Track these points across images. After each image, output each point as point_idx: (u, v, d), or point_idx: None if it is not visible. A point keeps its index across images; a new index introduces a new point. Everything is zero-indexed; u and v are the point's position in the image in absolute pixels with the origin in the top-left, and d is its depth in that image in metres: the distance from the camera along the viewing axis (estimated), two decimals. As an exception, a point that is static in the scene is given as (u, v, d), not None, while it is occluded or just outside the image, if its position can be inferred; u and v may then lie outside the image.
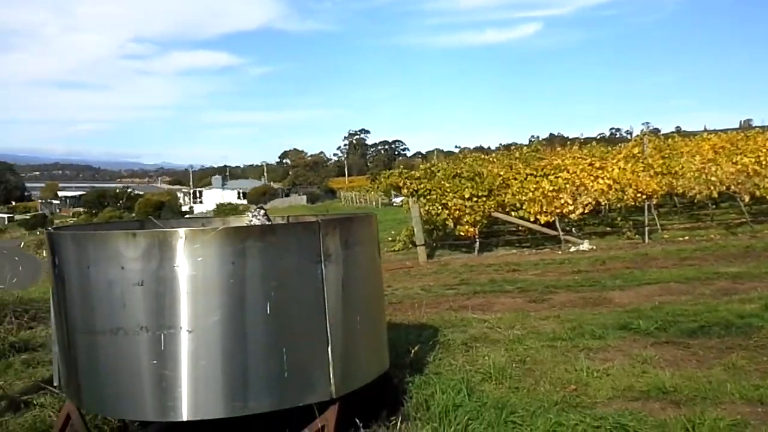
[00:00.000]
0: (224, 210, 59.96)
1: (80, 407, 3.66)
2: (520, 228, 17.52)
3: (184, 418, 3.22)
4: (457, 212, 15.51)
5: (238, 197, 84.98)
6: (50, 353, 6.23)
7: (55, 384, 4.00)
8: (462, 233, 15.86)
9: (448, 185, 15.87)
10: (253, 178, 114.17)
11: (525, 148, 23.07)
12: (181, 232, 3.16)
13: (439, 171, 17.14)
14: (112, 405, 3.43)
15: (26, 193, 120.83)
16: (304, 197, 77.36)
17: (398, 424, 3.82)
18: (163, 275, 3.12)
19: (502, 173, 16.72)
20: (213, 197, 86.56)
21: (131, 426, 4.19)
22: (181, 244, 3.12)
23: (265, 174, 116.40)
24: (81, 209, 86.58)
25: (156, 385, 3.18)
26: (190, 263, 3.12)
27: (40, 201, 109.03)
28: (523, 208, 15.75)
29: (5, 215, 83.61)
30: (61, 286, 3.47)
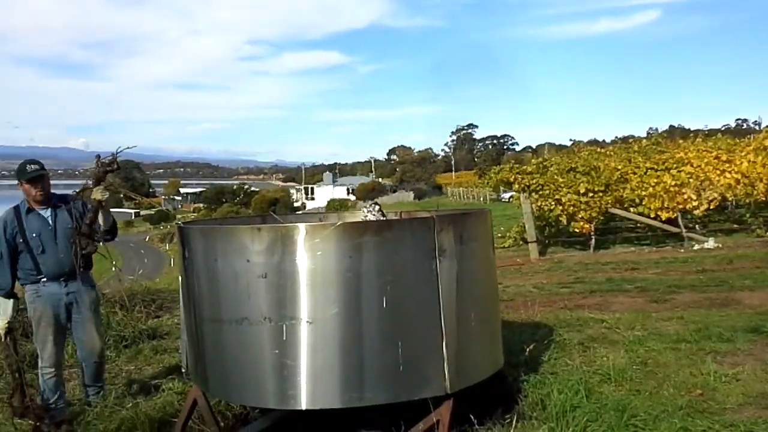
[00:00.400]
0: (334, 206, 61.42)
1: (206, 393, 3.87)
2: (638, 225, 16.75)
3: (304, 407, 3.33)
4: (572, 208, 15.04)
5: (348, 193, 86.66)
6: (176, 341, 6.64)
7: (183, 370, 4.23)
8: (576, 230, 15.36)
9: (561, 180, 15.42)
10: (361, 175, 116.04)
11: (644, 140, 21.92)
12: (302, 227, 3.27)
13: (552, 165, 16.67)
14: (237, 392, 3.60)
15: (151, 190, 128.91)
16: (411, 193, 77.65)
17: (513, 422, 3.76)
18: (285, 268, 3.24)
19: (620, 167, 16.02)
20: (324, 194, 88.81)
21: (252, 413, 4.38)
22: (302, 238, 3.23)
23: (373, 170, 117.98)
24: (201, 205, 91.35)
25: (277, 374, 3.31)
26: (309, 257, 3.22)
27: (163, 197, 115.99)
28: (643, 203, 15.03)
29: (132, 210, 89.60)
30: (190, 277, 3.68)
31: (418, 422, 3.43)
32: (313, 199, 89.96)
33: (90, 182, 4.37)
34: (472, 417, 3.63)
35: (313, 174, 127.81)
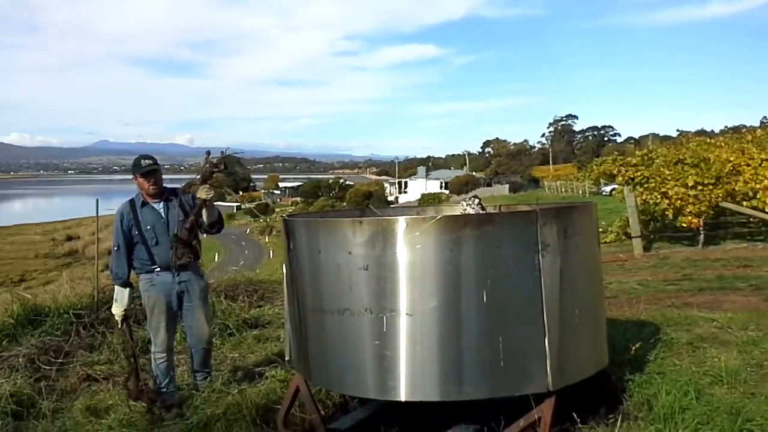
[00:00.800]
0: (427, 199, 61.38)
1: (308, 381, 3.96)
2: (751, 219, 15.75)
3: (403, 399, 3.36)
4: (679, 202, 14.34)
5: (441, 187, 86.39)
6: (277, 330, 6.85)
7: (286, 358, 4.35)
8: (684, 224, 14.65)
9: (668, 172, 14.72)
10: (454, 168, 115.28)
11: (758, 130, 20.57)
12: (402, 220, 3.29)
13: (657, 157, 15.96)
14: (338, 381, 3.68)
15: (251, 184, 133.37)
16: (506, 186, 76.42)
17: (618, 422, 3.65)
18: (386, 261, 3.27)
19: (731, 159, 15.12)
20: (417, 187, 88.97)
21: (351, 403, 4.46)
22: (403, 231, 3.25)
23: (467, 163, 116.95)
24: (298, 199, 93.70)
25: (377, 365, 3.36)
26: (409, 250, 3.24)
27: (263, 191, 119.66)
28: (757, 197, 14.14)
29: (234, 204, 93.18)
30: (294, 268, 3.79)
31: (517, 419, 3.38)
32: (406, 192, 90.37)
33: (197, 178, 4.52)
34: (575, 415, 3.55)
35: (407, 168, 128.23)
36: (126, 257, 4.71)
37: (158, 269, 4.70)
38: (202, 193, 4.40)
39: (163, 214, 4.70)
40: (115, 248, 4.74)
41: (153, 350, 4.81)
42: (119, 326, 4.77)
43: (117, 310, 4.69)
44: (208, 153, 4.50)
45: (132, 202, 4.76)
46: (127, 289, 4.72)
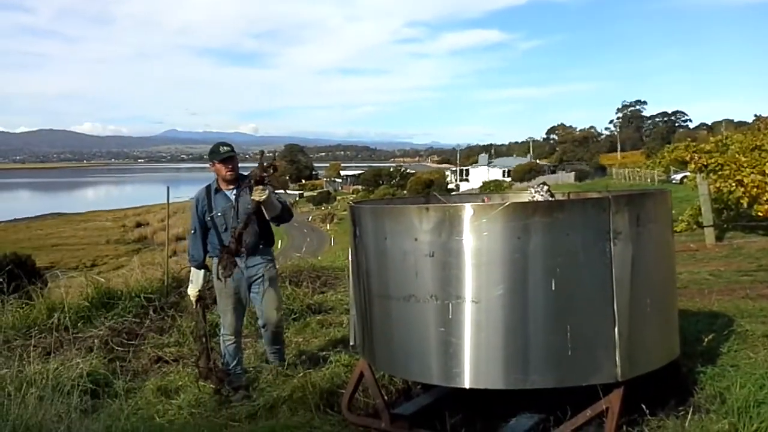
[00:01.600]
0: (489, 187, 60.73)
1: (372, 366, 4.00)
2: (833, 208, 14.94)
3: (467, 386, 3.35)
4: (755, 190, 13.68)
5: (503, 175, 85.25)
6: (340, 315, 6.93)
7: (350, 344, 4.40)
8: (760, 213, 14.00)
9: (744, 159, 14.06)
10: (518, 156, 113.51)
11: (843, 114, 19.47)
12: (469, 207, 3.27)
13: (733, 143, 15.28)
14: (402, 366, 3.70)
15: (314, 173, 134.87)
16: (572, 174, 74.70)
17: (689, 415, 3.54)
18: (451, 248, 3.26)
19: (813, 145, 14.35)
20: (479, 175, 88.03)
21: (414, 389, 4.47)
22: (469, 218, 3.23)
23: (531, 151, 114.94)
24: (359, 187, 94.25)
25: (442, 352, 3.36)
26: (476, 237, 3.23)
27: (325, 179, 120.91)
28: (841, 185, 13.38)
29: (296, 192, 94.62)
30: (360, 254, 3.82)
31: (583, 409, 3.33)
32: (467, 180, 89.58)
33: (251, 180, 4.57)
34: (644, 407, 3.47)
35: (468, 155, 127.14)
36: (201, 240, 4.88)
37: None
38: (256, 195, 4.46)
39: (234, 201, 4.81)
40: (192, 231, 4.93)
41: (222, 332, 4.96)
42: (194, 306, 4.94)
43: (191, 290, 4.87)
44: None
45: (208, 188, 4.92)
46: (202, 271, 4.88)
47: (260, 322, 5.05)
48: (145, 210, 71.30)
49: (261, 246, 4.85)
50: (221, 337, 4.96)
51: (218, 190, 4.87)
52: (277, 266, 8.49)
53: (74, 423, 3.32)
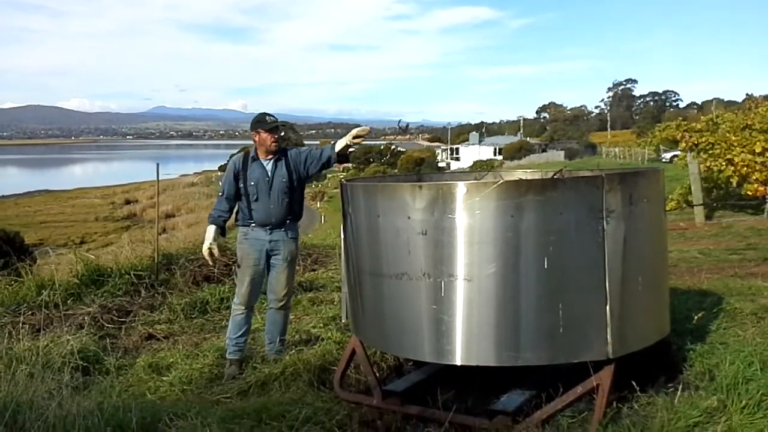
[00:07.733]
0: (480, 166, 60.68)
1: (364, 343, 4.01)
2: (822, 188, 15.05)
3: (458, 363, 3.37)
4: (745, 169, 13.80)
5: (494, 153, 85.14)
6: (331, 293, 6.92)
7: (342, 321, 4.40)
8: (749, 193, 14.12)
9: (735, 138, 14.15)
10: (509, 134, 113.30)
11: (833, 94, 19.54)
12: (462, 185, 3.26)
13: (723, 123, 15.35)
14: (394, 343, 3.71)
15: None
16: (562, 153, 74.74)
17: (678, 391, 3.57)
18: (445, 226, 3.26)
19: (804, 124, 14.43)
20: (469, 153, 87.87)
21: (406, 365, 4.49)
22: (462, 196, 3.21)
23: (522, 129, 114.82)
24: (349, 165, 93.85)
25: (434, 329, 3.37)
26: (469, 215, 3.22)
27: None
28: (829, 164, 13.48)
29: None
30: (352, 231, 3.80)
31: (574, 386, 3.35)
32: (458, 159, 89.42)
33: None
34: (634, 384, 3.49)
35: (459, 134, 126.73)
36: (227, 202, 4.86)
37: (254, 224, 4.80)
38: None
39: (269, 173, 4.79)
40: (220, 194, 4.93)
41: (234, 302, 4.92)
42: (209, 263, 5.10)
43: (204, 246, 4.87)
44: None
45: (246, 154, 4.90)
46: (214, 227, 4.86)
47: (269, 296, 4.97)
48: (134, 187, 70.79)
49: (288, 221, 4.83)
50: (232, 305, 4.94)
51: (255, 159, 4.84)
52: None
53: (65, 400, 3.31)
